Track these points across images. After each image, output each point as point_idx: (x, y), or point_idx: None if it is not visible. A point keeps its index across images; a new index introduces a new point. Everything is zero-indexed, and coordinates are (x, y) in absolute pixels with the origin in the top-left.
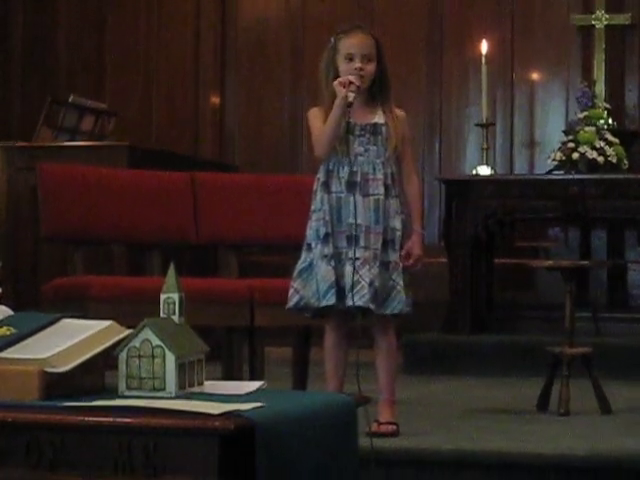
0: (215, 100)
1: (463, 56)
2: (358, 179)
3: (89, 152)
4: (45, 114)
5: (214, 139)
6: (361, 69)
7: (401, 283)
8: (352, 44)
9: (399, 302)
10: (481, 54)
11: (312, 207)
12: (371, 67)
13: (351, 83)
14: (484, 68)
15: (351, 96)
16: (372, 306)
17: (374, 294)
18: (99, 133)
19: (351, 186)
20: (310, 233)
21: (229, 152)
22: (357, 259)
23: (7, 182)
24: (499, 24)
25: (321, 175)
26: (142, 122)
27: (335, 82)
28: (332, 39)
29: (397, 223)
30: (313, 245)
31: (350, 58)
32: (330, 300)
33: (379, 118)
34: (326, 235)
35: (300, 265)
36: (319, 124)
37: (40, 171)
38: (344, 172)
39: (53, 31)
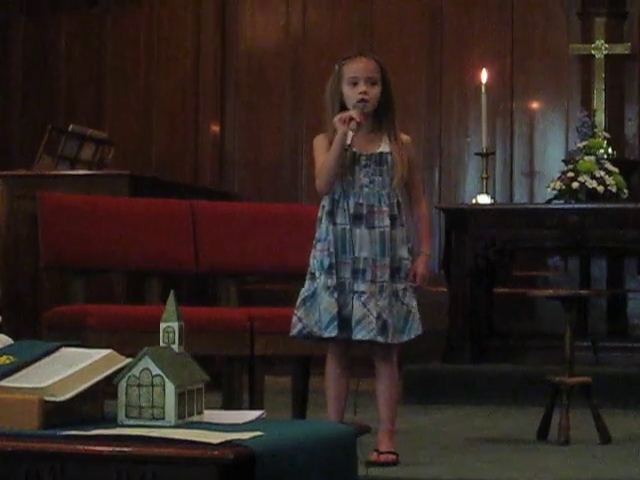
0: (215, 128)
1: (463, 85)
2: (364, 211)
3: (89, 181)
4: (45, 142)
5: (214, 167)
6: (365, 92)
7: (414, 305)
8: (356, 68)
9: (418, 324)
10: (481, 83)
11: (317, 236)
12: (376, 91)
13: (351, 119)
14: (484, 97)
15: (349, 137)
16: (380, 339)
17: (382, 326)
18: (99, 162)
19: (356, 219)
20: (314, 263)
21: (229, 180)
22: (363, 293)
23: (7, 210)
24: (499, 53)
25: (326, 204)
26: (142, 150)
27: (335, 119)
28: (336, 66)
29: (404, 252)
30: (317, 275)
31: (354, 82)
32: (332, 332)
33: (384, 147)
34: (330, 266)
35: (304, 293)
36: (321, 156)
37: (40, 199)
38: (350, 204)
39: (53, 59)
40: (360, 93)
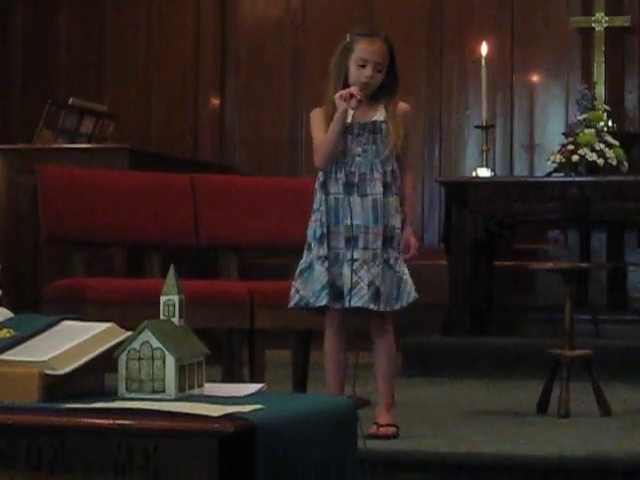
0: (215, 102)
1: (463, 58)
2: (355, 180)
3: (89, 154)
4: (45, 116)
5: (214, 141)
6: (371, 77)
7: (406, 272)
8: (368, 50)
9: (410, 291)
10: (481, 56)
11: (313, 207)
12: (379, 77)
13: (352, 96)
14: (484, 70)
15: (350, 116)
16: (373, 306)
17: (375, 294)
18: (99, 135)
19: (349, 187)
20: (309, 233)
21: (229, 154)
22: (356, 260)
23: (7, 184)
24: (499, 26)
25: (320, 175)
26: (142, 124)
27: (336, 95)
28: (347, 37)
29: (397, 221)
30: (312, 245)
31: (363, 64)
32: (322, 300)
33: (379, 115)
34: (322, 236)
35: (301, 265)
36: (320, 132)
37: (40, 173)
38: (342, 173)
39: (53, 34)
40: (365, 77)
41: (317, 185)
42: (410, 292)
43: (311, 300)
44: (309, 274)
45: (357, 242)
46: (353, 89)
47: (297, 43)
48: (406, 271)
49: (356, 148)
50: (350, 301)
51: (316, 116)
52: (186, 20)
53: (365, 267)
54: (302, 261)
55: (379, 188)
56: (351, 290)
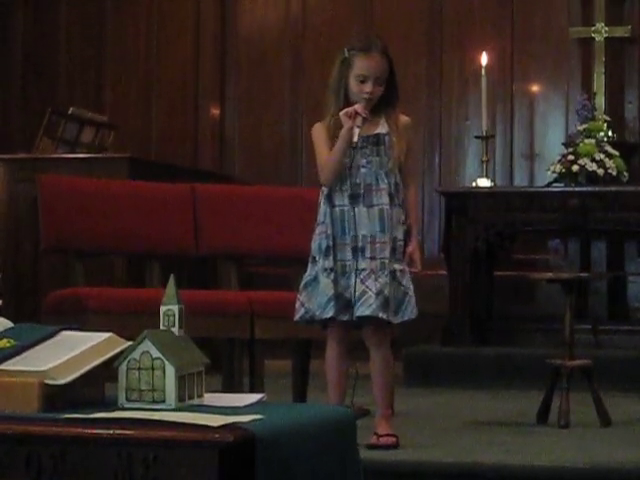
0: (215, 111)
1: (463, 68)
2: (361, 191)
3: (90, 164)
4: (45, 125)
5: (214, 150)
6: (372, 93)
7: (411, 288)
8: (367, 66)
9: (413, 307)
10: (481, 66)
11: (317, 219)
12: (380, 90)
13: (357, 114)
14: (484, 80)
15: (356, 135)
16: (382, 315)
17: (383, 303)
18: (99, 145)
19: (354, 198)
20: (314, 246)
21: (229, 163)
22: (363, 270)
23: (8, 194)
24: (499, 36)
25: (325, 187)
26: (142, 134)
27: (341, 113)
28: (346, 51)
29: (400, 233)
30: (317, 258)
31: (363, 80)
32: (329, 312)
33: (382, 128)
34: (327, 249)
35: (306, 278)
36: (323, 148)
37: (40, 183)
38: (347, 185)
39: (53, 43)
40: (366, 93)
41: (321, 197)
42: (412, 309)
43: (317, 313)
44: (314, 287)
45: (364, 252)
46: (358, 107)
47: (297, 51)
48: (411, 287)
49: (360, 159)
50: (358, 310)
51: (318, 132)
52: (187, 29)
53: (372, 276)
54: (306, 274)
55: (385, 198)
56: (358, 300)
